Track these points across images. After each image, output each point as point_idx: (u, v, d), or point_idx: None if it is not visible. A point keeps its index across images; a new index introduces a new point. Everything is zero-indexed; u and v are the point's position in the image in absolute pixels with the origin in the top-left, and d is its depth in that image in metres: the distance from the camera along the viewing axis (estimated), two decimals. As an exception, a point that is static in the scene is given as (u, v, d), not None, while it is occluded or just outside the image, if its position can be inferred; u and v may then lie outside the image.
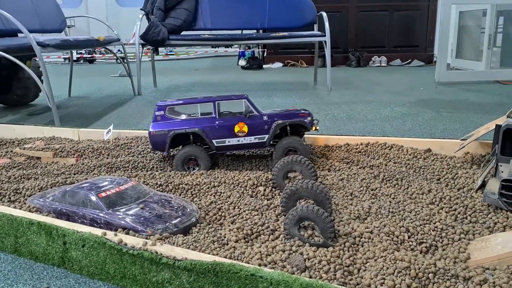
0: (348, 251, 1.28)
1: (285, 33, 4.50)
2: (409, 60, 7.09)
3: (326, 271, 1.17)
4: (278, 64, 7.32)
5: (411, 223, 1.42)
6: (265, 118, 1.94)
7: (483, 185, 1.62)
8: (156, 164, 2.05)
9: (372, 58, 7.09)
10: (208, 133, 1.94)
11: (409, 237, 1.35)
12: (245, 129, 1.93)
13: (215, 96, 1.99)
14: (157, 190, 1.70)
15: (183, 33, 4.77)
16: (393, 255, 1.22)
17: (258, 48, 7.48)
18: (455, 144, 2.07)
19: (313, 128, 1.98)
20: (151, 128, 1.96)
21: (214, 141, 1.95)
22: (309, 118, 1.94)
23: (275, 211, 1.54)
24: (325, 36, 4.39)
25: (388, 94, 4.38)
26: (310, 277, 1.14)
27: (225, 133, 1.94)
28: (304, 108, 2.04)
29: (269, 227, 1.42)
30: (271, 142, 1.99)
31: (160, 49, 5.82)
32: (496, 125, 1.74)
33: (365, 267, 1.21)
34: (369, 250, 1.28)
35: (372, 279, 1.13)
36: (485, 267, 1.21)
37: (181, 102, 1.99)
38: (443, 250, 1.31)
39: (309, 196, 1.46)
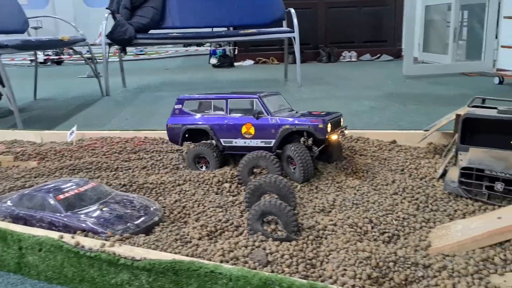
0: (312, 244, 1.28)
1: (254, 30, 4.50)
2: (378, 55, 7.18)
3: (289, 265, 1.16)
4: (249, 62, 7.32)
5: (374, 214, 1.43)
6: (273, 121, 1.77)
7: (444, 174, 1.65)
8: (121, 164, 2.01)
9: (343, 54, 7.15)
10: (217, 131, 1.87)
11: (372, 228, 1.36)
12: (252, 131, 1.80)
13: (228, 93, 1.93)
14: (120, 191, 1.66)
15: (151, 31, 4.71)
16: (355, 246, 1.23)
17: (229, 46, 7.46)
18: (419, 135, 2.10)
19: (333, 138, 1.73)
20: (169, 121, 1.98)
21: (222, 140, 1.87)
22: (320, 126, 1.69)
23: (239, 207, 1.53)
24: (293, 32, 4.40)
25: (357, 88, 4.42)
26: (272, 271, 1.13)
27: (233, 133, 1.84)
28: (336, 112, 1.86)
29: (233, 223, 1.41)
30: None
31: (130, 49, 5.74)
32: (456, 115, 1.77)
33: (328, 259, 1.21)
34: (332, 243, 1.28)
35: (333, 270, 1.13)
36: (445, 254, 1.23)
37: (200, 97, 1.94)
38: (405, 239, 1.32)
39: (272, 190, 1.45)
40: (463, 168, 1.47)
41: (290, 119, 1.75)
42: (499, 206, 1.41)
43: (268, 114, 1.78)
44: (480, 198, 1.47)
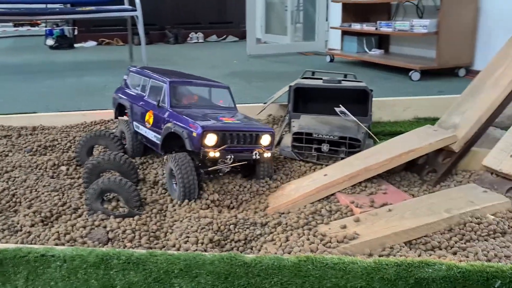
0: (156, 217, 1.27)
1: (93, 8, 4.22)
2: (225, 36, 7.34)
3: (131, 240, 1.14)
4: (91, 43, 6.86)
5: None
6: (165, 114, 1.48)
7: (280, 141, 1.77)
8: None
9: (190, 35, 7.14)
10: (133, 112, 1.65)
11: (217, 198, 1.40)
12: (151, 120, 1.54)
13: (166, 72, 1.71)
14: None
15: (-32, 7, 4.10)
16: (197, 213, 1.25)
17: (68, 26, 6.89)
18: (260, 108, 2.22)
19: (211, 155, 1.35)
20: (114, 91, 1.82)
21: (134, 122, 1.65)
22: (194, 134, 1.34)
23: (78, 190, 1.44)
24: (136, 10, 4.23)
25: (204, 68, 4.47)
26: (114, 248, 1.10)
27: (141, 118, 1.61)
28: (268, 128, 1.49)
29: (71, 206, 1.32)
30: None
31: None
32: (289, 86, 1.91)
33: (172, 229, 1.22)
34: (175, 213, 1.29)
35: (177, 239, 1.14)
36: (281, 212, 1.33)
37: (138, 70, 1.75)
38: (247, 204, 1.39)
39: (112, 168, 1.40)
40: (294, 134, 1.59)
41: (183, 118, 1.41)
42: (326, 165, 1.57)
43: (168, 105, 1.50)
44: (311, 160, 1.61)
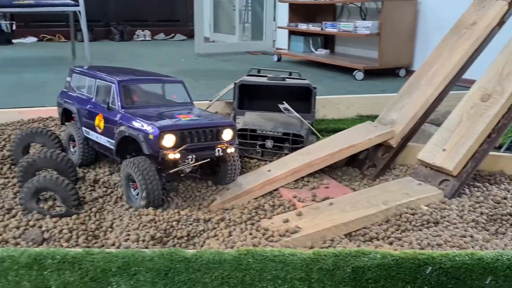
0: (95, 216, 1.24)
1: (31, 1, 4.03)
2: (173, 34, 7.24)
3: (68, 239, 1.10)
4: (31, 39, 6.56)
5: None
6: (117, 117, 1.36)
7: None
8: None
9: (136, 32, 6.99)
10: (80, 116, 1.51)
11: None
12: (102, 124, 1.42)
13: (114, 70, 1.58)
14: None
15: None
16: (138, 211, 1.23)
17: (5, 20, 6.55)
18: (206, 105, 2.21)
19: (171, 156, 1.25)
20: (58, 95, 1.67)
21: (83, 128, 1.51)
22: (150, 136, 1.24)
23: (13, 189, 1.37)
24: (78, 6, 4.09)
25: (151, 66, 4.39)
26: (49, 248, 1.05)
27: (90, 123, 1.47)
28: (229, 121, 1.42)
29: (4, 206, 1.26)
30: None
31: None
32: (234, 83, 1.91)
33: (112, 228, 1.18)
34: (115, 211, 1.26)
35: (117, 237, 1.12)
36: (225, 208, 1.33)
37: (84, 71, 1.59)
38: (191, 201, 1.38)
39: (49, 166, 1.35)
40: (239, 130, 1.60)
41: (137, 120, 1.30)
42: (270, 161, 1.58)
43: (119, 107, 1.38)
44: (255, 156, 1.62)
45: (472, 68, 1.63)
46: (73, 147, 1.57)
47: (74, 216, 1.20)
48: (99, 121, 1.43)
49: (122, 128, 1.32)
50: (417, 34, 3.64)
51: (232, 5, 6.21)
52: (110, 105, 1.39)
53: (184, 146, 1.26)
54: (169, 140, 1.24)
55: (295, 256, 0.92)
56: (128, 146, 1.36)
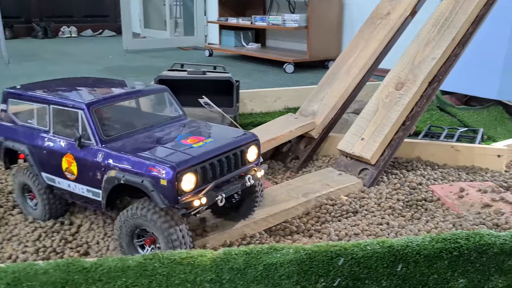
0: (-8, 228, 1.13)
1: None
2: (101, 31, 6.95)
3: (-45, 256, 0.99)
4: None
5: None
6: (98, 157, 1.00)
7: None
8: None
9: (61, 29, 6.64)
10: (37, 158, 1.11)
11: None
12: (74, 168, 1.04)
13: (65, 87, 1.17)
14: None
15: None
16: (39, 222, 1.13)
17: None
18: (127, 102, 2.11)
19: (196, 204, 0.94)
20: None
21: (43, 174, 1.12)
22: (163, 182, 0.90)
23: None
24: (-10, 0, 3.81)
25: (75, 63, 4.19)
26: None
27: (54, 167, 1.08)
28: (251, 134, 1.09)
29: None
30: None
31: None
32: (154, 78, 1.83)
33: (10, 240, 1.08)
34: (18, 222, 1.15)
35: (14, 249, 1.02)
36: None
37: (27, 94, 1.15)
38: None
39: None
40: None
41: (133, 159, 0.95)
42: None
43: (97, 142, 1.01)
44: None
45: (388, 57, 1.66)
46: (31, 199, 1.19)
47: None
48: (68, 164, 1.05)
49: (112, 173, 0.96)
50: (343, 27, 3.71)
51: (162, 0, 6.05)
52: (81, 141, 1.02)
53: (210, 186, 0.95)
54: (188, 181, 0.92)
55: (205, 257, 0.87)
56: (117, 190, 0.99)
